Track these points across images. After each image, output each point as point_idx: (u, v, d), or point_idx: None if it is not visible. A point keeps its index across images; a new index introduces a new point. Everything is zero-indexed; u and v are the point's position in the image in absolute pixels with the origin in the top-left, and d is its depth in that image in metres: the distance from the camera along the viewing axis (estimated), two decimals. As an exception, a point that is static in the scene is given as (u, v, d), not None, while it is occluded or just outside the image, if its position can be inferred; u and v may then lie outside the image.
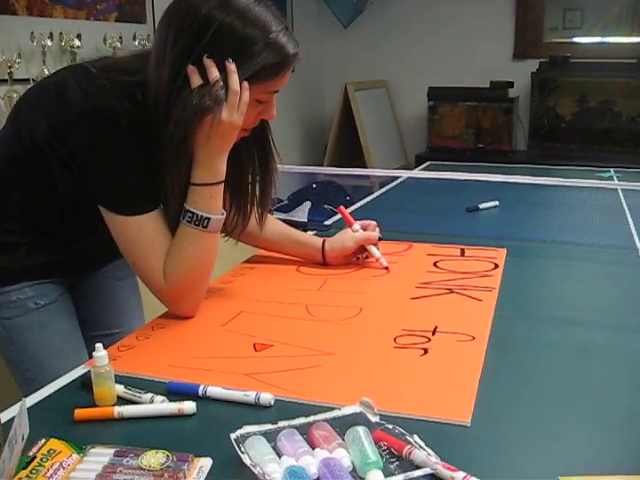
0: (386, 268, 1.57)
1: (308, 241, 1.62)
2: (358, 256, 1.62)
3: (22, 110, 1.33)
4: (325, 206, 4.00)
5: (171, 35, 1.18)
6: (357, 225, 1.61)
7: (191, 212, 1.24)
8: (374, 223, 1.64)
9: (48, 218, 1.35)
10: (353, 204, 2.43)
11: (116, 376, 1.00)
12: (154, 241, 1.25)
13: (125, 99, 1.20)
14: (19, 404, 0.81)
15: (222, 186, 1.26)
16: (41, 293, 1.38)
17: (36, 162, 1.27)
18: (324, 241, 1.61)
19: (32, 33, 2.78)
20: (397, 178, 2.89)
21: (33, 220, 1.35)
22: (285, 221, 1.69)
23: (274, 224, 1.61)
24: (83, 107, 1.20)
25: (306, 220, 2.03)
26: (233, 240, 1.51)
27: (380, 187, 2.85)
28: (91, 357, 1.01)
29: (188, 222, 1.24)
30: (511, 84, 4.79)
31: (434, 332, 1.22)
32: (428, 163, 3.60)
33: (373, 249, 1.59)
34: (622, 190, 2.44)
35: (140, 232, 1.24)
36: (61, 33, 2.92)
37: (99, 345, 1.00)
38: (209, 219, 1.24)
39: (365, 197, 2.57)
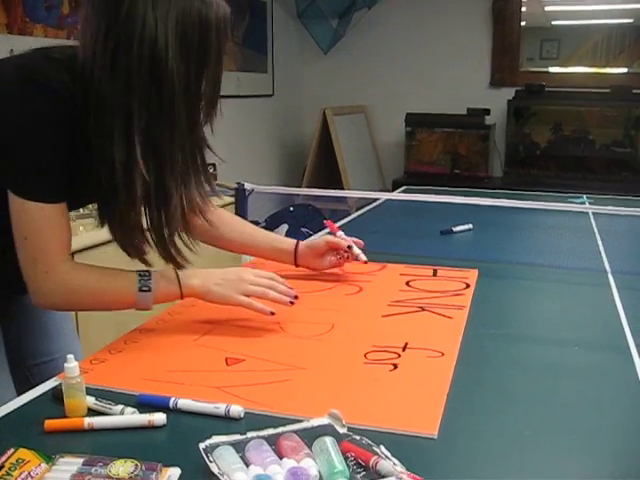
0: (365, 262, 1.61)
1: (279, 239, 1.62)
2: (332, 258, 1.64)
3: None
4: (302, 229, 4.01)
5: (90, 3, 1.11)
6: (341, 232, 1.66)
7: (147, 275, 1.23)
8: (361, 242, 1.66)
9: None
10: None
11: (88, 389, 1.01)
12: (54, 228, 1.17)
13: (64, 72, 1.13)
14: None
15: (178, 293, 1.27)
16: None
17: None
18: (298, 241, 1.61)
19: (11, 50, 2.78)
20: (374, 201, 2.92)
21: None
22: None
23: (239, 224, 1.59)
24: (18, 77, 1.11)
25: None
26: (210, 258, 1.50)
27: (357, 211, 2.87)
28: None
29: (139, 274, 1.23)
30: (488, 111, 4.86)
31: (404, 348, 1.23)
32: (404, 187, 3.63)
33: (354, 247, 1.62)
34: (593, 214, 2.48)
35: (39, 220, 1.15)
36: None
37: (70, 356, 1.00)
38: (149, 292, 1.23)
39: (342, 219, 2.59)
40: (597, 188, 3.98)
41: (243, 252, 1.64)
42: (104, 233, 1.27)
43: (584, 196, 3.01)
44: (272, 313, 1.30)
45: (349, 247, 1.62)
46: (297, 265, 1.63)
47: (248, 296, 1.30)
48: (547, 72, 5.04)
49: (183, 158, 1.19)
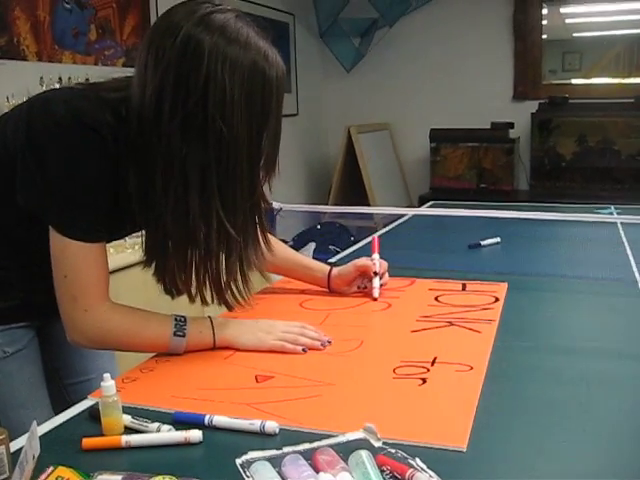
0: (375, 299, 1.62)
1: (316, 266, 1.69)
2: (359, 285, 1.68)
3: (8, 123, 1.25)
4: (330, 247, 4.03)
5: (152, 54, 1.14)
6: (376, 255, 1.67)
7: (183, 321, 1.27)
8: (386, 264, 1.68)
9: (14, 248, 1.29)
10: (357, 243, 2.46)
11: (122, 407, 1.02)
12: (95, 267, 1.20)
13: (109, 112, 1.16)
14: (31, 427, 0.83)
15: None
16: (10, 340, 1.31)
17: (3, 173, 1.21)
18: (331, 268, 1.67)
19: (41, 78, 2.84)
20: (401, 217, 2.92)
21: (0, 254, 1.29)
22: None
23: (283, 249, 1.65)
24: (64, 115, 1.14)
25: (311, 260, 2.06)
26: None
27: (383, 227, 2.88)
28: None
29: (175, 319, 1.26)
30: (512, 125, 4.85)
31: (433, 363, 1.23)
32: (431, 202, 3.64)
33: (375, 279, 1.64)
34: (621, 224, 2.47)
35: (81, 258, 1.18)
36: (70, 78, 2.97)
37: (107, 375, 1.01)
38: (183, 337, 1.26)
39: (369, 236, 2.60)
40: (624, 198, 3.95)
41: (283, 274, 1.71)
42: (132, 255, 1.29)
43: (612, 207, 2.99)
44: (304, 351, 1.31)
45: (375, 274, 1.64)
46: (330, 290, 1.68)
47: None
48: (570, 84, 5.03)
49: (244, 217, 1.22)
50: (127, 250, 2.20)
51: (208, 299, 1.27)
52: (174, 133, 1.13)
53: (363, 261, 1.65)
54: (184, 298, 1.29)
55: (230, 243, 1.21)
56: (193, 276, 1.25)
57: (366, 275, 1.66)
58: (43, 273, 1.22)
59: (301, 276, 1.69)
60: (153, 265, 1.27)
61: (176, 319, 1.27)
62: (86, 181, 1.15)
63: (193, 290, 1.27)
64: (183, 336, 1.26)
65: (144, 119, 1.15)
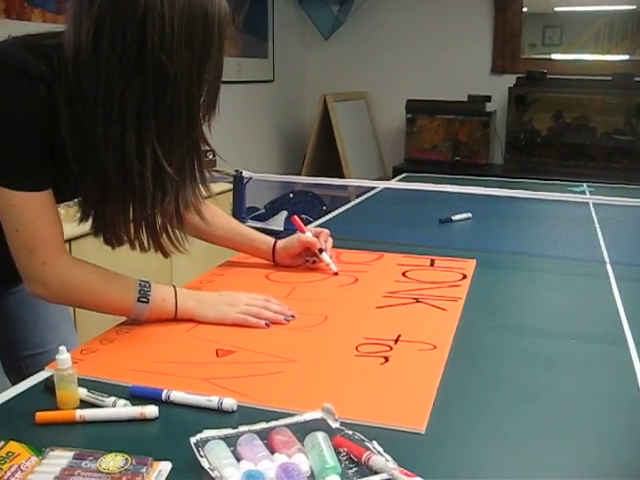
0: (336, 273, 1.61)
1: (259, 238, 1.64)
2: (307, 259, 1.66)
3: None
4: (302, 216, 4.01)
5: None
6: (309, 233, 1.64)
7: (147, 286, 1.25)
8: (326, 232, 1.66)
9: None
10: (329, 213, 2.44)
11: (79, 379, 1.00)
12: (45, 219, 1.17)
13: (42, 60, 1.10)
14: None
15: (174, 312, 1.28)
16: None
17: None
18: (276, 240, 1.64)
19: (9, 36, 2.76)
20: (373, 189, 2.91)
21: None
22: (261, 229, 1.70)
23: (225, 220, 1.61)
24: None
25: (282, 229, 2.04)
26: (205, 245, 1.50)
27: (357, 198, 2.86)
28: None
29: (139, 284, 1.24)
30: (488, 98, 4.84)
31: (396, 341, 1.23)
32: (405, 175, 3.62)
33: (323, 255, 1.62)
34: (593, 204, 2.47)
35: (28, 210, 1.15)
36: (39, 37, 2.91)
37: (62, 348, 1.00)
38: (146, 304, 1.24)
39: (341, 207, 2.59)
40: (598, 176, 3.97)
41: (227, 247, 1.65)
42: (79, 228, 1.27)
43: (584, 184, 3.00)
44: (267, 325, 1.30)
45: (320, 251, 1.62)
46: (275, 263, 1.66)
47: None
48: (549, 59, 5.01)
49: (181, 156, 1.18)
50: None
51: (145, 245, 1.24)
52: (112, 69, 1.08)
53: (307, 237, 1.62)
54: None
55: (166, 183, 1.17)
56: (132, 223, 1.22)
57: (310, 250, 1.64)
58: None
59: (245, 248, 1.65)
60: (90, 218, 1.23)
61: (140, 284, 1.25)
62: (17, 126, 1.10)
63: (133, 237, 1.24)
64: (147, 302, 1.24)
65: (81, 61, 1.10)
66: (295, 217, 1.70)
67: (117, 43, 1.08)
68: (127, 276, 1.26)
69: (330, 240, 1.66)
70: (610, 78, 4.55)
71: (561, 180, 3.23)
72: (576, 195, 2.35)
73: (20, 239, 1.16)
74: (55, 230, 1.19)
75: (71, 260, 1.22)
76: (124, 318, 1.29)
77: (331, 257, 1.64)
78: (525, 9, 4.99)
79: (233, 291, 1.37)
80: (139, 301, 1.24)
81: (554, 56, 5.03)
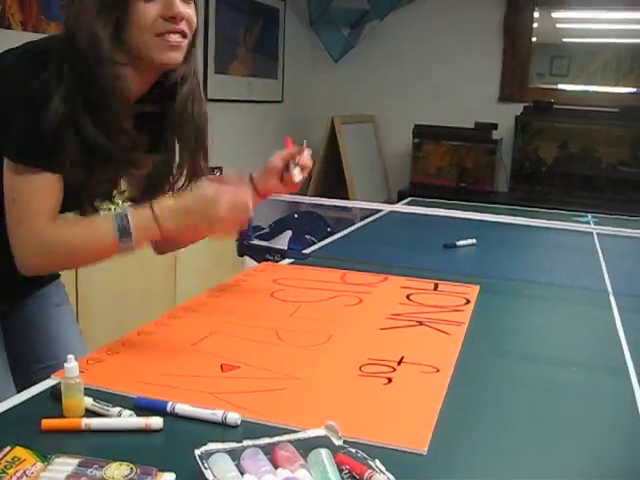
0: (296, 184, 1.56)
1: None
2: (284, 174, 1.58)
3: None
4: (306, 236, 4.03)
5: None
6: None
7: (126, 219, 1.18)
8: (304, 146, 1.62)
9: None
10: (334, 235, 2.46)
11: (85, 389, 1.01)
12: (43, 192, 1.18)
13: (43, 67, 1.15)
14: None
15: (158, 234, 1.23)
16: None
17: None
18: (250, 174, 1.59)
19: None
20: (378, 212, 2.93)
21: None
22: (265, 248, 1.71)
23: None
24: (16, 54, 1.17)
25: (286, 248, 2.05)
26: (209, 259, 1.50)
27: (361, 220, 2.88)
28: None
29: (116, 221, 1.18)
30: (495, 126, 4.86)
31: (400, 362, 1.23)
32: (410, 199, 3.64)
33: (291, 166, 1.58)
34: (597, 234, 2.49)
35: (27, 183, 1.16)
36: (54, 50, 2.94)
37: (71, 356, 1.01)
38: (130, 237, 1.19)
39: (346, 228, 2.60)
40: (602, 207, 3.97)
41: None
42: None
43: (589, 215, 3.01)
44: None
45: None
46: (260, 194, 1.58)
47: None
48: (556, 89, 5.05)
49: None
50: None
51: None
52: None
53: (283, 150, 1.59)
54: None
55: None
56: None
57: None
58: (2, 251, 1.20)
59: None
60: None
61: (118, 224, 1.18)
62: (38, 109, 1.13)
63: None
64: (130, 239, 1.18)
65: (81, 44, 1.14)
66: (289, 138, 1.67)
67: None
68: (105, 218, 1.21)
69: (307, 151, 1.61)
70: (617, 110, 4.57)
71: (566, 210, 3.25)
72: (580, 225, 2.36)
73: (14, 208, 1.18)
74: (48, 203, 1.18)
75: (54, 224, 1.20)
76: (128, 330, 1.30)
77: (302, 170, 1.59)
78: (534, 39, 5.03)
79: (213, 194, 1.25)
80: (121, 241, 1.19)
81: (561, 86, 5.06)
